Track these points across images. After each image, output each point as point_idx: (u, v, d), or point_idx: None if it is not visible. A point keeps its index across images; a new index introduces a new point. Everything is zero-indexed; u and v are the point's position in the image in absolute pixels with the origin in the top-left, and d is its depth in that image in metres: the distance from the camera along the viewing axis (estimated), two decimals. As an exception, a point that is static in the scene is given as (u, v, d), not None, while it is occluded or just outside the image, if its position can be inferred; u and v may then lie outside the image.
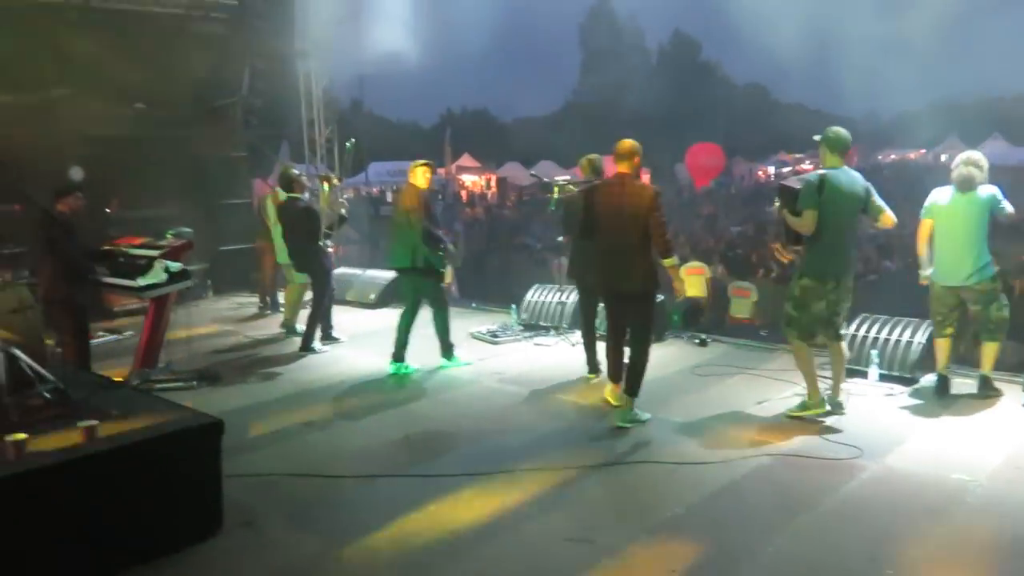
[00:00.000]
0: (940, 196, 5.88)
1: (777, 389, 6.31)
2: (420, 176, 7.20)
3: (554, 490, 4.62)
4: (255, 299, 10.64)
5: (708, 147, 30.17)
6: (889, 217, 5.51)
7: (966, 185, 5.70)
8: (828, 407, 5.60)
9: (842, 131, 5.58)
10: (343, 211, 8.53)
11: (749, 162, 39.65)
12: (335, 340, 8.40)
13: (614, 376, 5.96)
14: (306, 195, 8.69)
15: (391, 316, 9.82)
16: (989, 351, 5.89)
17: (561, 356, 7.65)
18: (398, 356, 7.27)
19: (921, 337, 6.33)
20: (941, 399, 5.92)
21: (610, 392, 6.03)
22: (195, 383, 6.92)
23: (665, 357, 7.31)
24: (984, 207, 5.67)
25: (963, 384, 6.14)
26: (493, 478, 4.78)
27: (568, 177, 7.34)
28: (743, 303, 12.34)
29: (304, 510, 4.50)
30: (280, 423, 5.96)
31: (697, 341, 7.81)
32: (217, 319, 9.99)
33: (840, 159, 5.53)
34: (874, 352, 6.34)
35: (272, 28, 11.93)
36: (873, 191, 5.52)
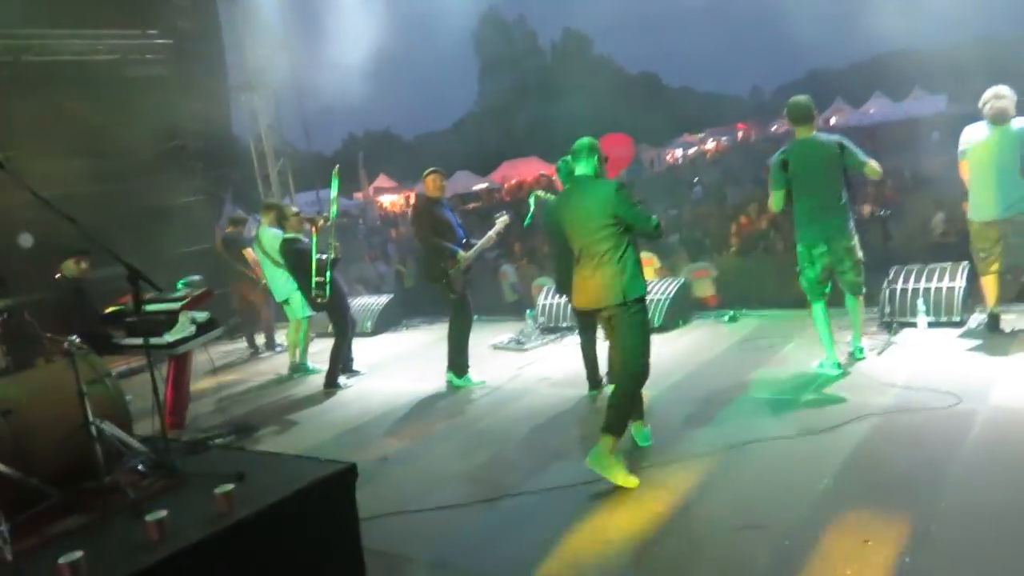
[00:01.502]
0: (974, 133, 6.03)
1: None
2: (429, 185, 7.07)
3: (687, 483, 4.50)
4: (241, 344, 10.13)
5: (617, 137, 30.42)
6: (873, 168, 5.64)
7: (1000, 118, 5.86)
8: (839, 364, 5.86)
9: (798, 100, 5.69)
10: (334, 254, 8.12)
11: (656, 148, 40.46)
12: (356, 373, 8.06)
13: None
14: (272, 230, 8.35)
15: (395, 341, 9.63)
16: (1035, 283, 6.11)
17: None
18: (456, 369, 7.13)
19: (961, 280, 6.50)
20: (995, 336, 6.09)
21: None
22: (233, 437, 6.50)
23: (703, 339, 7.30)
24: (1017, 139, 5.84)
25: (1008, 321, 6.32)
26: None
27: (541, 192, 6.91)
28: (704, 283, 12.53)
29: (442, 548, 4.24)
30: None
31: (726, 318, 7.84)
32: (211, 370, 9.45)
33: (808, 127, 5.64)
34: (920, 301, 6.47)
35: (206, 67, 11.45)
36: (849, 146, 5.62)
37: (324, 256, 7.48)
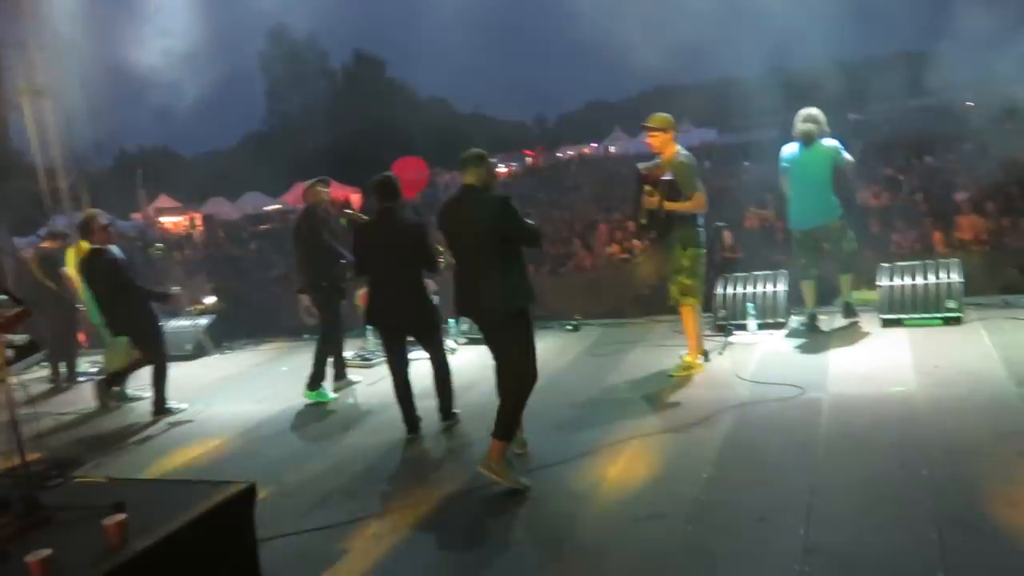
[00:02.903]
0: (789, 151, 6.67)
1: (675, 353, 6.72)
2: (320, 194, 7.16)
3: (579, 482, 4.59)
4: (43, 372, 9.03)
5: (412, 160, 30.62)
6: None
7: (808, 138, 6.52)
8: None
9: (665, 115, 6.06)
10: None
11: (450, 171, 41.05)
12: (171, 411, 7.11)
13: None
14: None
15: (220, 364, 9.02)
16: (845, 281, 6.86)
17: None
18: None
19: (782, 286, 7.16)
20: (816, 334, 6.76)
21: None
22: (55, 474, 5.77)
23: (553, 347, 7.49)
24: (827, 157, 6.51)
25: (823, 320, 7.04)
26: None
27: (351, 211, 6.82)
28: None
29: (342, 567, 4.03)
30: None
31: (569, 327, 8.10)
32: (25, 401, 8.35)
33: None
34: (750, 305, 7.04)
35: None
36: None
37: None
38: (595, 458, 4.87)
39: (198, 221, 32.73)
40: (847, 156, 6.55)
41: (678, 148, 5.94)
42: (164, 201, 31.64)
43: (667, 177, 5.84)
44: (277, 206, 33.77)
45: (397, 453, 5.52)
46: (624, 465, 4.72)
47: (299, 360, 8.63)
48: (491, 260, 4.66)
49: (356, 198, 33.94)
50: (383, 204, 5.63)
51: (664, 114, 6.02)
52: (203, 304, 7.72)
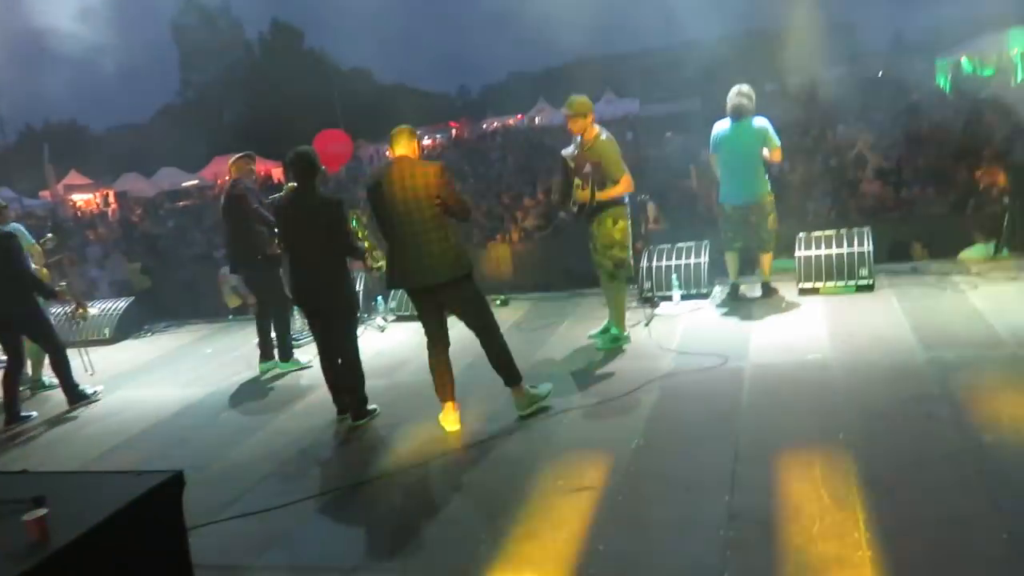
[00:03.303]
0: (720, 128, 6.78)
1: (598, 326, 6.82)
2: (243, 169, 7.01)
3: (514, 454, 4.66)
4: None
5: (334, 133, 29.91)
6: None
7: (738, 113, 6.65)
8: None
9: (581, 97, 6.03)
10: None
11: (374, 144, 40.46)
12: (87, 397, 6.90)
13: (445, 393, 5.19)
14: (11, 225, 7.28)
15: (142, 347, 8.78)
16: (766, 260, 7.04)
17: (386, 340, 7.49)
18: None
19: (705, 257, 7.32)
20: (737, 303, 6.96)
21: (446, 416, 5.16)
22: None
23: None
24: (757, 135, 6.64)
25: (745, 290, 7.23)
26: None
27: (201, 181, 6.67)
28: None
29: (275, 550, 4.01)
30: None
31: (498, 302, 8.12)
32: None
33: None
34: (674, 276, 7.19)
35: None
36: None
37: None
38: (527, 432, 4.94)
39: (111, 198, 31.60)
40: (776, 140, 6.65)
41: (599, 130, 5.95)
42: (74, 178, 30.40)
43: (591, 167, 5.81)
44: (195, 182, 32.84)
45: (328, 435, 5.49)
46: (555, 438, 4.80)
47: (224, 342, 8.53)
48: (438, 226, 4.81)
49: (277, 172, 33.23)
50: (299, 181, 5.47)
51: (581, 97, 5.99)
52: (85, 311, 7.36)
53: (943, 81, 23.88)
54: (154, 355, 8.38)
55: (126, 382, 7.41)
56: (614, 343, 6.28)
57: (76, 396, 6.81)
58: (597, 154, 5.82)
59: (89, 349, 8.46)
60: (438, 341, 5.16)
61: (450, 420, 5.15)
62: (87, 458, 5.60)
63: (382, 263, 5.62)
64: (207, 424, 6.08)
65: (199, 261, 16.55)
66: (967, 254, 7.64)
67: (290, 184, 6.42)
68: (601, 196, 5.83)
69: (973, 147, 12.09)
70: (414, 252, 4.85)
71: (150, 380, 7.43)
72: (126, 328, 9.13)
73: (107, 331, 9.00)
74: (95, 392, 6.94)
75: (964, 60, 23.98)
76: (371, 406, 5.62)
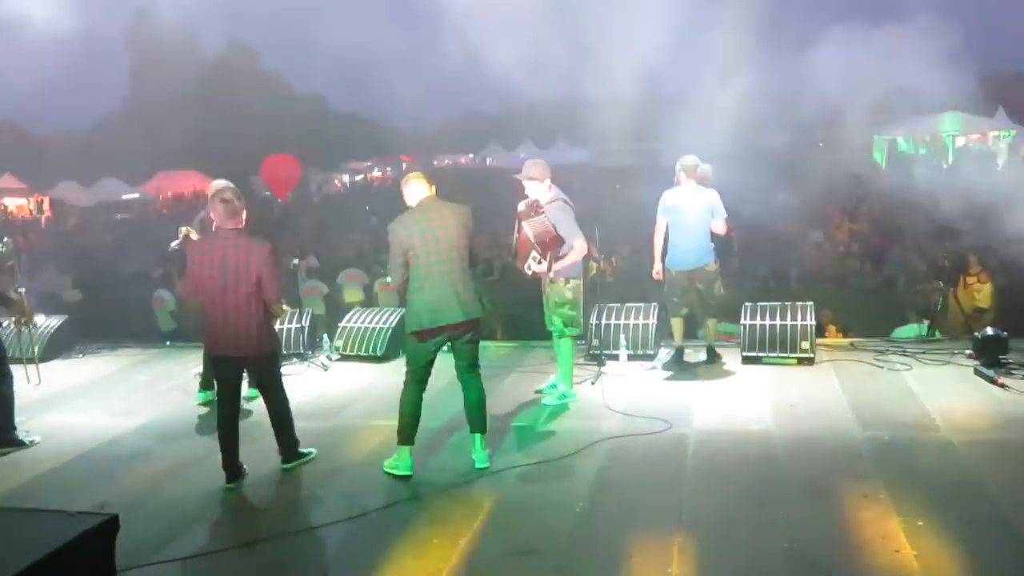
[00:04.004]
0: (670, 196, 6.95)
1: (547, 381, 6.83)
2: None
3: (458, 513, 4.62)
4: None
5: (284, 158, 29.91)
6: None
7: (691, 182, 6.83)
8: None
9: (537, 162, 6.22)
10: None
11: (323, 171, 40.26)
12: (22, 444, 6.13)
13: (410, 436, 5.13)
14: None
15: (71, 370, 8.45)
16: (712, 325, 7.20)
17: (330, 380, 7.38)
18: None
19: (653, 319, 7.44)
20: (682, 368, 7.07)
21: (402, 459, 5.10)
22: None
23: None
24: (706, 203, 6.83)
25: (689, 355, 7.35)
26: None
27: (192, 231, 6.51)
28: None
29: None
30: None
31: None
32: None
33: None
34: (622, 336, 7.27)
35: None
36: None
37: None
38: (468, 489, 4.90)
39: (46, 205, 30.67)
40: (723, 211, 6.85)
41: (554, 194, 6.03)
42: (8, 181, 29.43)
43: (548, 239, 5.85)
44: (135, 195, 32.12)
45: (265, 477, 5.34)
46: (498, 497, 4.78)
47: (159, 369, 8.30)
48: (463, 268, 5.07)
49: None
50: (228, 220, 5.10)
51: (537, 162, 6.13)
52: (31, 319, 7.03)
53: (879, 156, 24.89)
54: (85, 379, 8.08)
55: (54, 406, 7.11)
56: (561, 399, 6.31)
57: (7, 441, 6.15)
58: (551, 221, 5.86)
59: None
60: (424, 379, 5.19)
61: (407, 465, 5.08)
62: (8, 487, 5.35)
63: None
64: (138, 457, 5.86)
65: (137, 279, 16.09)
66: (901, 332, 7.92)
67: (185, 228, 6.27)
68: (559, 266, 5.94)
69: (910, 227, 12.65)
70: (444, 290, 4.97)
71: (80, 406, 7.15)
72: (57, 348, 8.80)
73: (36, 350, 8.63)
74: (31, 441, 6.19)
75: (900, 138, 25.10)
76: (306, 449, 5.50)
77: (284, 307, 5.56)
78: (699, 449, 5.29)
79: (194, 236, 5.99)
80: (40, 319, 8.71)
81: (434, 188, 5.18)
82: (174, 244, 6.49)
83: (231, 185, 5.55)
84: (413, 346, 5.17)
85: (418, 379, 5.17)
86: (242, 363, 5.29)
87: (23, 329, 7.36)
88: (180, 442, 6.13)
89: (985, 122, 23.77)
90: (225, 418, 5.24)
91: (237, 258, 5.01)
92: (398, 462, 5.11)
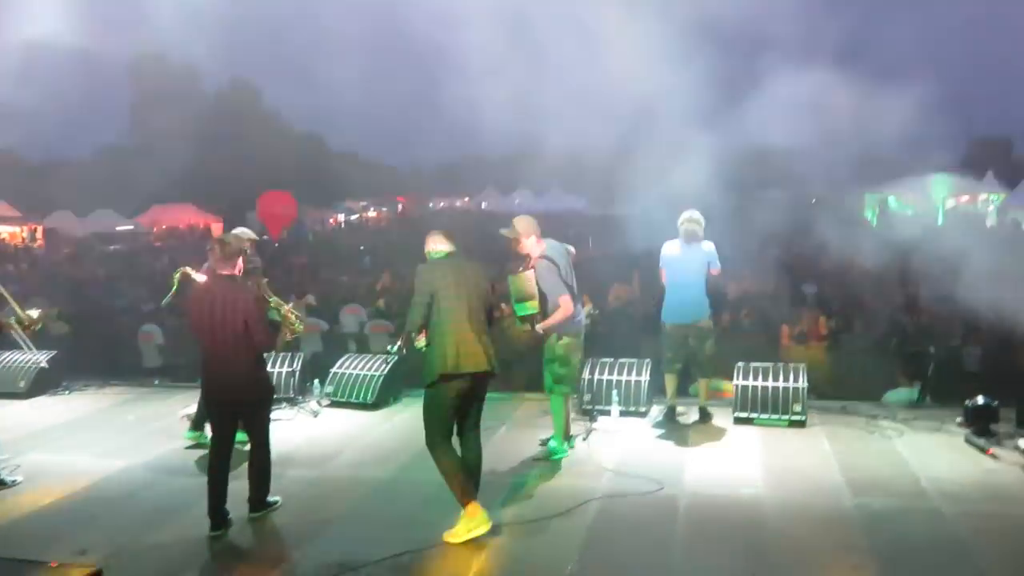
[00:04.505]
0: (670, 248, 7.01)
1: (541, 436, 6.80)
2: None
3: (448, 569, 4.58)
4: None
5: (280, 195, 30.01)
6: None
7: (691, 238, 6.90)
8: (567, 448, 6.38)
9: (522, 217, 6.20)
10: None
11: (319, 209, 40.35)
12: (3, 484, 6.06)
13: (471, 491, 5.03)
14: None
15: (58, 407, 8.37)
16: (703, 386, 7.21)
17: (319, 426, 7.32)
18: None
19: (646, 375, 7.44)
20: (675, 426, 7.06)
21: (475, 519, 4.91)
22: None
23: (413, 423, 7.39)
24: (704, 258, 6.90)
25: (682, 413, 7.33)
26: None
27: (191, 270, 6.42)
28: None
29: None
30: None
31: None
32: None
33: (538, 236, 6.10)
34: (614, 392, 7.27)
35: None
36: None
37: None
38: (458, 548, 4.84)
39: (39, 234, 30.61)
40: (718, 264, 6.94)
41: (541, 251, 6.02)
42: (3, 208, 29.35)
43: (532, 281, 5.90)
44: (130, 227, 32.10)
45: (250, 528, 5.28)
46: (488, 556, 4.73)
47: (147, 410, 8.24)
48: (484, 319, 5.17)
49: (217, 227, 32.71)
50: (221, 264, 5.22)
51: (523, 219, 6.12)
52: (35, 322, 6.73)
53: (871, 215, 25.15)
54: (71, 417, 7.99)
55: (38, 445, 7.02)
56: (551, 456, 6.27)
57: None
58: (536, 275, 5.89)
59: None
60: (452, 431, 5.12)
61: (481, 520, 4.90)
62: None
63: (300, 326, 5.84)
64: (122, 501, 5.78)
65: (127, 313, 15.98)
66: (892, 397, 7.92)
67: (185, 269, 6.19)
68: (542, 329, 5.94)
69: (901, 289, 12.71)
70: (473, 337, 5.01)
71: (64, 445, 7.07)
72: (43, 383, 8.72)
73: (22, 384, 8.58)
74: (13, 481, 6.13)
75: (891, 198, 25.40)
76: (273, 498, 5.48)
77: (297, 323, 5.78)
78: (689, 512, 5.26)
79: (195, 275, 5.98)
80: (21, 355, 8.64)
81: (456, 246, 5.28)
82: (166, 300, 6.34)
83: (247, 232, 5.92)
84: (437, 393, 5.02)
85: (447, 433, 5.05)
86: (233, 407, 5.30)
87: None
88: (165, 487, 6.06)
89: (975, 184, 24.15)
90: (214, 463, 5.22)
91: (225, 303, 5.08)
92: (475, 522, 4.88)
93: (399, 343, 5.85)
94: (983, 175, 24.50)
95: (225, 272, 5.21)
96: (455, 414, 5.08)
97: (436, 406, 5.05)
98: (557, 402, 6.26)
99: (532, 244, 6.08)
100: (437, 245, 5.25)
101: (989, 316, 10.14)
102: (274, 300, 5.72)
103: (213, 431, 5.41)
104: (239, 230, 6.60)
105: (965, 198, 24.49)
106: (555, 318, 5.94)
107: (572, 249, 6.41)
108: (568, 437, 6.49)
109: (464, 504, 4.89)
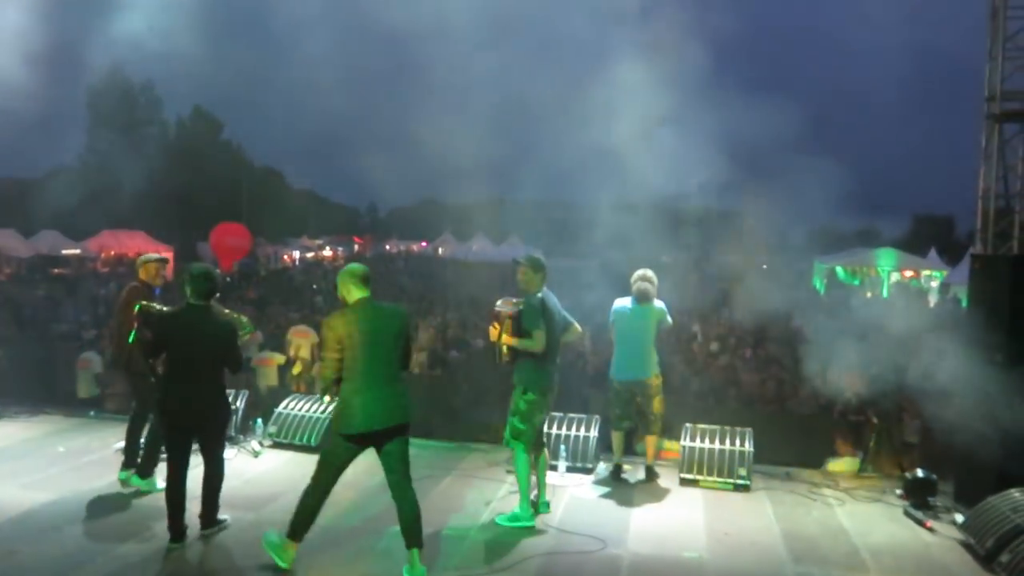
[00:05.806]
0: (621, 305, 7.08)
1: (492, 490, 6.75)
2: (152, 272, 6.76)
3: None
4: None
5: (234, 227, 29.63)
6: (576, 328, 6.42)
7: (643, 297, 6.97)
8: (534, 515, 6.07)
9: (539, 257, 6.32)
10: None
11: (273, 245, 39.98)
12: None
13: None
14: None
15: None
16: (651, 443, 7.21)
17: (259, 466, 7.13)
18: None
19: (594, 431, 7.42)
20: (620, 484, 7.02)
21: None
22: None
23: (355, 470, 7.28)
24: (654, 316, 6.98)
25: (627, 471, 7.30)
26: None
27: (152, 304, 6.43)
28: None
29: None
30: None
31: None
32: None
33: (543, 281, 6.20)
34: (563, 447, 7.22)
35: None
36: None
37: None
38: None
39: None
40: (669, 319, 7.04)
41: (537, 290, 5.99)
42: (-55, 225, 28.48)
43: (511, 310, 5.92)
44: (76, 251, 31.35)
45: (185, 562, 5.10)
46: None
47: (80, 441, 7.95)
48: (398, 370, 5.11)
49: (170, 256, 32.08)
50: (199, 299, 5.52)
51: (536, 257, 6.14)
52: None
53: (818, 283, 25.75)
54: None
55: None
56: (510, 521, 5.99)
57: None
58: (523, 305, 5.88)
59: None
60: (334, 482, 5.15)
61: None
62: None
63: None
64: (46, 537, 5.53)
65: (65, 340, 15.50)
66: (835, 466, 8.01)
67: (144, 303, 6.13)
68: (506, 340, 5.90)
69: (845, 357, 12.95)
70: (381, 391, 4.95)
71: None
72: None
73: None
74: None
75: (839, 267, 26.07)
76: (223, 516, 5.70)
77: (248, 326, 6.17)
78: (631, 573, 5.24)
79: (155, 307, 6.00)
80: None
81: (370, 289, 5.10)
82: (133, 336, 6.21)
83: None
84: (338, 446, 5.10)
85: (328, 480, 5.11)
86: (197, 431, 5.55)
87: None
88: (92, 523, 5.83)
89: (918, 260, 24.95)
90: (174, 484, 5.42)
91: (204, 330, 5.50)
92: (284, 554, 5.06)
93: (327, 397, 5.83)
94: (926, 252, 25.31)
95: (200, 303, 5.55)
96: (346, 466, 5.15)
97: (333, 455, 5.13)
98: (516, 457, 6.07)
99: (538, 282, 6.01)
100: (349, 291, 5.07)
101: (929, 389, 10.42)
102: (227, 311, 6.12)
103: (172, 454, 5.50)
104: (146, 255, 6.97)
105: (909, 273, 25.23)
106: (525, 342, 5.84)
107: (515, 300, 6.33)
108: (538, 502, 6.22)
109: (290, 538, 5.08)
